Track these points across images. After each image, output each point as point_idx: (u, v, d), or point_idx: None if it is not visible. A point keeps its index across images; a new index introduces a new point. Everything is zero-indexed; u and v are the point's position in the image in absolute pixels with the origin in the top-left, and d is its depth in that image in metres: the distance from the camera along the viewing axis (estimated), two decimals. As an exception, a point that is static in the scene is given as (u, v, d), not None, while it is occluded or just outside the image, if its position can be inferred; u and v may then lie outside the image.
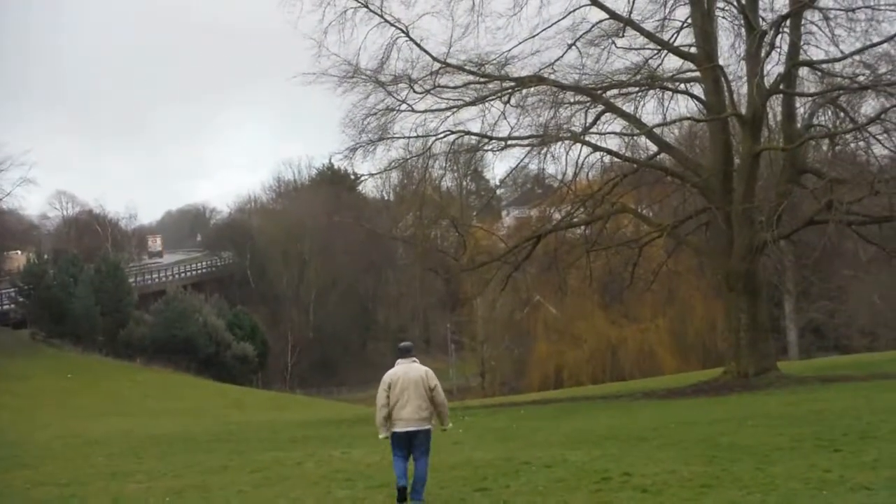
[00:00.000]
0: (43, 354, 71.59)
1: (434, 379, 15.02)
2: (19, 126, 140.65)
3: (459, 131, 40.45)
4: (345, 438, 29.00)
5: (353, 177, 57.52)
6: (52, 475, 22.81)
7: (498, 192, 54.09)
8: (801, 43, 37.04)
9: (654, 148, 41.59)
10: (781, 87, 37.37)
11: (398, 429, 14.83)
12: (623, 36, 39.19)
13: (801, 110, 40.31)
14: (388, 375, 15.00)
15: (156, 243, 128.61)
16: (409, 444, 14.88)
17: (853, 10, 35.69)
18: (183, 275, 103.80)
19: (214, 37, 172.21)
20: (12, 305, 79.74)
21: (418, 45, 39.01)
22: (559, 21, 38.21)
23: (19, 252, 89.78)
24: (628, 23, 38.35)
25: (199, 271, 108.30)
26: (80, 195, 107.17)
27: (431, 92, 39.67)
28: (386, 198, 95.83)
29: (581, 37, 38.31)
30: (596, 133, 39.76)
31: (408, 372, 14.91)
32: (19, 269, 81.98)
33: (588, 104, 39.14)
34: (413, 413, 14.74)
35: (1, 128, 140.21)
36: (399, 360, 15.20)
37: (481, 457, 20.39)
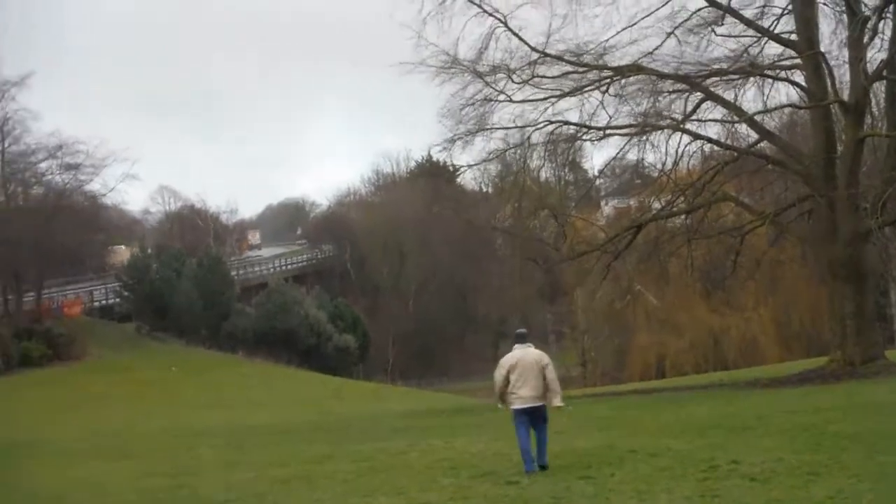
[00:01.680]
0: (147, 347, 72.99)
1: (546, 359, 16.65)
2: (120, 122, 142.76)
3: (558, 121, 40.43)
4: (447, 428, 29.14)
5: (451, 168, 57.39)
6: (159, 466, 23.29)
7: (597, 182, 53.70)
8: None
9: (754, 136, 40.96)
10: (885, 73, 36.58)
11: (517, 406, 16.46)
12: (722, 24, 38.86)
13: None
14: (507, 359, 16.66)
15: (255, 237, 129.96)
16: (531, 418, 16.50)
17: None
18: (283, 268, 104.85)
19: (308, 28, 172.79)
20: (117, 299, 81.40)
21: (517, 35, 39.06)
22: (658, 10, 37.89)
23: (123, 247, 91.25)
24: (728, 10, 38.07)
25: (300, 264, 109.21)
26: (181, 190, 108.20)
27: (530, 82, 39.69)
28: (484, 189, 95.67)
29: (680, 25, 37.96)
30: (696, 121, 39.48)
31: (524, 356, 16.50)
32: (123, 263, 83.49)
33: (687, 92, 38.83)
34: (530, 391, 16.33)
35: (102, 124, 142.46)
36: (516, 346, 16.82)
37: (584, 445, 20.32)
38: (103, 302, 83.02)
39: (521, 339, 16.98)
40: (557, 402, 16.55)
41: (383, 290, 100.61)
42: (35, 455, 29.42)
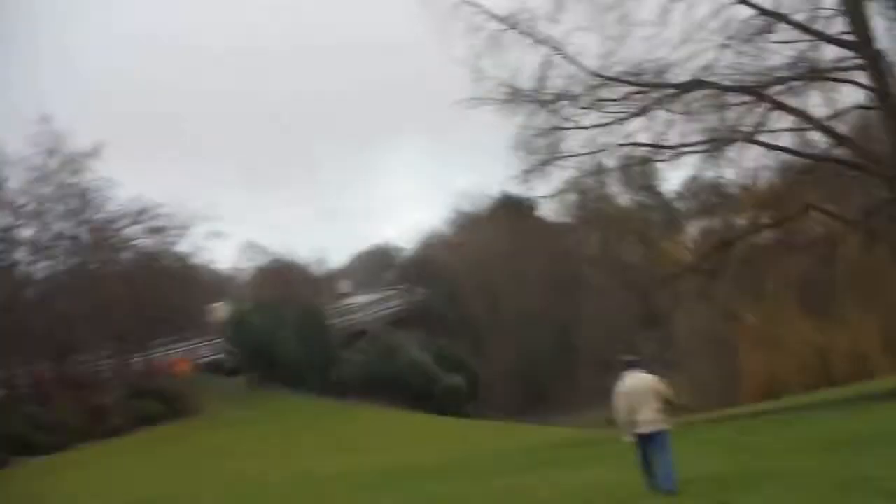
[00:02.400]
0: (260, 399, 74.24)
1: (659, 383, 17.30)
2: (194, 183, 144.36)
3: (628, 143, 40.52)
4: (570, 461, 29.57)
5: (529, 201, 57.77)
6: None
7: (676, 203, 53.52)
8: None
9: (827, 142, 40.17)
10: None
11: (636, 430, 17.05)
12: (775, 31, 38.01)
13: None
14: (621, 386, 17.28)
15: (347, 285, 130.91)
16: (646, 444, 17.04)
17: None
18: (379, 313, 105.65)
19: (366, 74, 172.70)
20: (223, 355, 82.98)
21: (573, 62, 39.20)
22: (708, 23, 37.32)
23: (220, 303, 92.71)
24: (778, 16, 37.53)
25: (395, 308, 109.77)
26: (268, 245, 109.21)
27: (594, 107, 39.80)
28: (566, 219, 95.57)
29: (732, 36, 37.48)
30: (767, 131, 39.11)
31: (637, 382, 17.16)
32: (223, 319, 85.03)
33: (753, 103, 38.54)
34: (647, 416, 16.85)
35: (180, 185, 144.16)
36: (627, 373, 17.39)
37: (714, 469, 20.54)
38: (209, 358, 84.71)
39: (631, 365, 17.59)
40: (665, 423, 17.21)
41: (482, 328, 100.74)
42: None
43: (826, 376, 62.90)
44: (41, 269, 67.68)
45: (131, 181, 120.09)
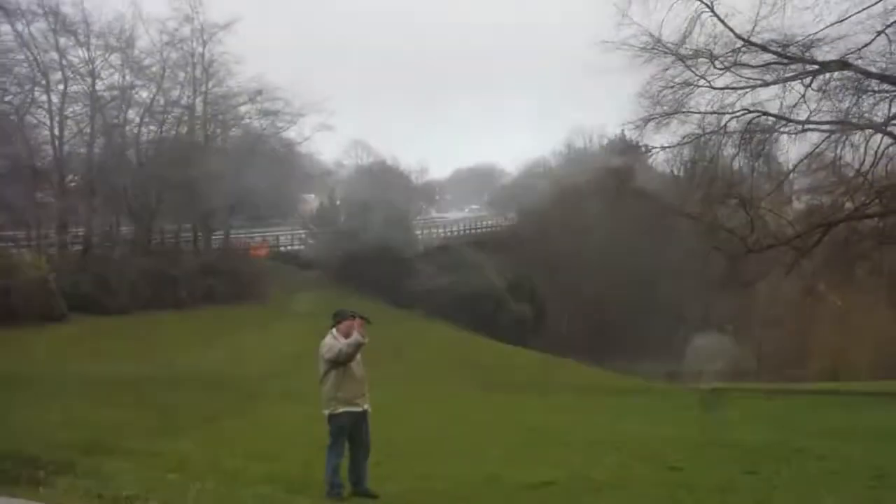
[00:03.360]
0: (326, 296, 74.72)
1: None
2: (321, 73, 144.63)
3: (756, 111, 39.94)
4: (615, 407, 29.36)
5: (643, 148, 57.05)
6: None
7: (790, 176, 52.46)
8: None
9: None
10: None
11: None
12: None
13: None
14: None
15: (443, 199, 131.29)
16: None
17: None
18: (467, 232, 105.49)
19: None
20: (302, 246, 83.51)
21: (722, 21, 38.31)
22: (871, 6, 36.71)
23: (314, 196, 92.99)
24: None
25: (483, 230, 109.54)
26: (375, 146, 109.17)
27: (731, 69, 39.31)
28: (675, 172, 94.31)
29: (893, 23, 36.84)
30: None
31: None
32: (312, 212, 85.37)
33: (894, 94, 37.92)
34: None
35: (303, 74, 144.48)
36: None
37: (753, 440, 20.32)
38: (289, 247, 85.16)
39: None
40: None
41: (563, 264, 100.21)
42: (211, 388, 30.67)
43: (896, 369, 62.08)
44: (149, 132, 68.08)
45: (254, 60, 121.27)
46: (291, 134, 75.07)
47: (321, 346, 13.40)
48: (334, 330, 13.58)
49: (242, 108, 72.88)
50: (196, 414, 23.01)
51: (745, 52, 38.55)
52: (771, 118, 40.19)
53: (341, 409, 13.25)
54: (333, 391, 13.21)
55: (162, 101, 66.23)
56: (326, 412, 13.33)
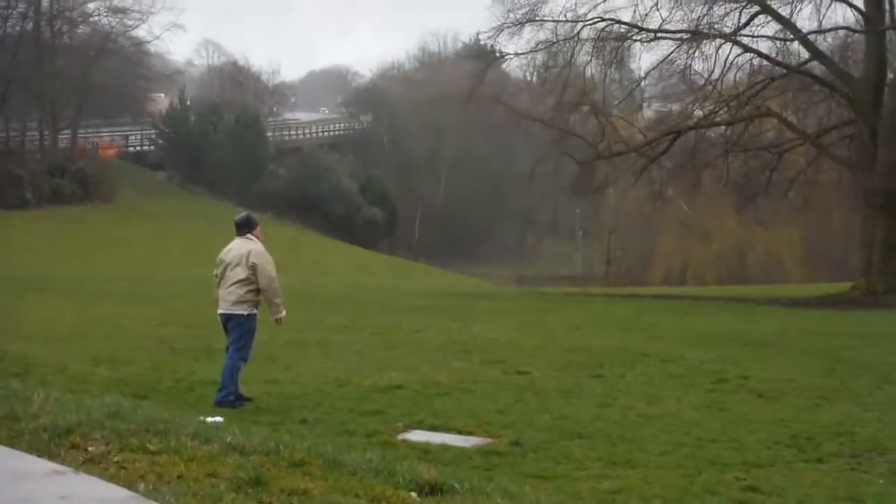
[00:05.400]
0: (176, 197, 73.49)
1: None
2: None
3: (609, 19, 40.33)
4: (465, 311, 29.37)
5: (497, 54, 56.98)
6: (178, 315, 23.66)
7: (642, 84, 53.00)
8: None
9: (805, 54, 40.48)
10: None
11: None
12: None
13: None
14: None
15: (295, 100, 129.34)
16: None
17: None
18: (320, 134, 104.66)
19: None
20: (152, 147, 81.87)
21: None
22: None
23: (163, 95, 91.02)
24: None
25: (336, 132, 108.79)
26: (226, 46, 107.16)
27: (583, -24, 39.44)
28: (528, 79, 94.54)
29: None
30: (748, 35, 39.40)
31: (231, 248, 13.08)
32: (161, 112, 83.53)
33: (743, 4, 38.54)
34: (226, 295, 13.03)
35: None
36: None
37: (600, 344, 20.55)
38: (138, 148, 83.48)
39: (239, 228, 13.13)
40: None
41: (416, 168, 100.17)
42: (57, 290, 29.94)
43: (740, 273, 63.91)
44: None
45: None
46: (141, 32, 73.20)
47: (260, 254, 12.71)
48: (253, 237, 13.01)
49: (90, 5, 70.94)
50: (41, 316, 22.37)
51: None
52: (624, 26, 40.54)
53: (255, 311, 12.87)
54: (254, 295, 12.73)
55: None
56: (245, 312, 12.77)
